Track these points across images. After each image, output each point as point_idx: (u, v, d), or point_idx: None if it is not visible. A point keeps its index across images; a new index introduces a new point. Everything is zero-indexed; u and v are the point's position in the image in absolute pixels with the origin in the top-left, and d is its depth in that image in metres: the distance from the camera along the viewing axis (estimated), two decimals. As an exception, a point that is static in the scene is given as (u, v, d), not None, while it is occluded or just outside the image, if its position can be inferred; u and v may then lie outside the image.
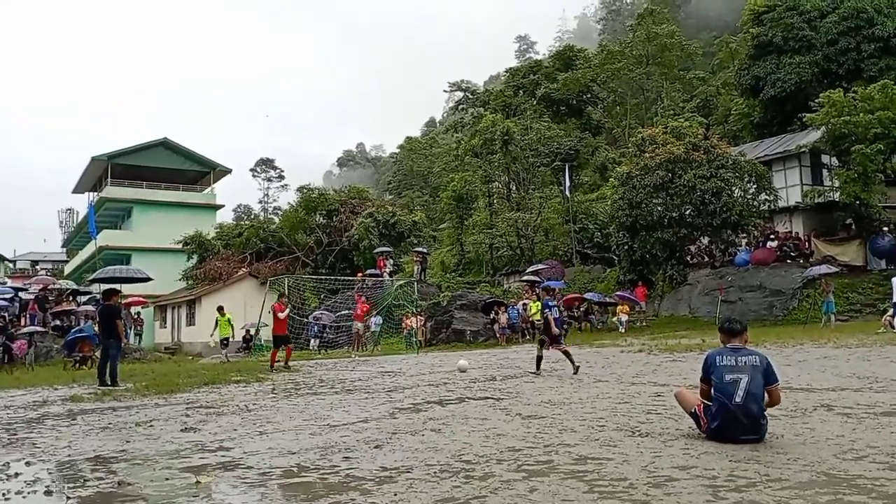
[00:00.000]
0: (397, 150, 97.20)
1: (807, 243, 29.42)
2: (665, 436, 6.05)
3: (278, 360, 17.10)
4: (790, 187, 31.09)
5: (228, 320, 24.47)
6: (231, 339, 25.76)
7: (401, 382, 12.41)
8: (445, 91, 79.78)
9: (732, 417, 5.54)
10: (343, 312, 29.75)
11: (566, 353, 13.13)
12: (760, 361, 5.71)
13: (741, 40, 46.95)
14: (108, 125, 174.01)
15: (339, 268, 41.22)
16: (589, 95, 55.69)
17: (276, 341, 17.35)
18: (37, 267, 76.07)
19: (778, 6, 37.87)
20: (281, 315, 16.81)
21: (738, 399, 5.52)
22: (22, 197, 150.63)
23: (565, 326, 23.68)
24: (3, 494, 4.67)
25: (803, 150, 30.37)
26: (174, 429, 7.48)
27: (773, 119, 38.79)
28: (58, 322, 26.78)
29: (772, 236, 29.52)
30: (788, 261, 28.09)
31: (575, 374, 12.35)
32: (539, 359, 13.34)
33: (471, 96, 67.98)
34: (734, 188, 28.13)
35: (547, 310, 13.48)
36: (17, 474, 5.33)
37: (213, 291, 41.54)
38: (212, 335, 25.41)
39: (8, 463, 5.80)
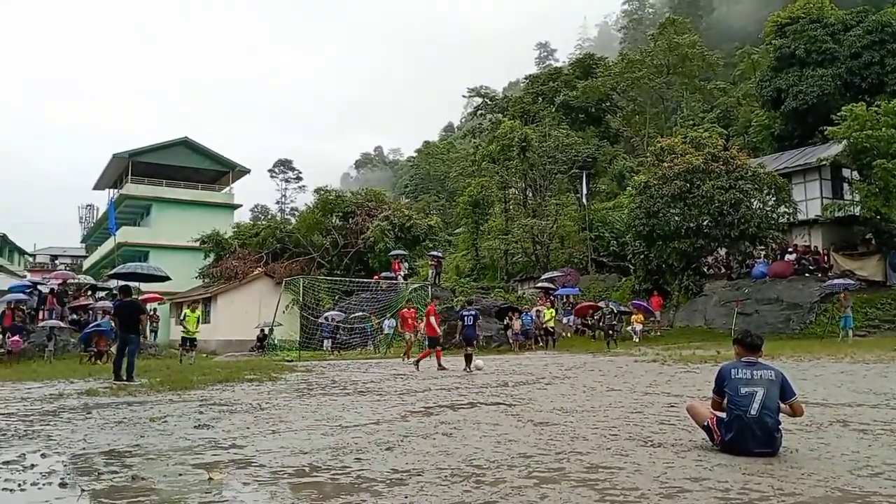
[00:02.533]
0: (415, 154, 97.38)
1: (825, 257, 29.15)
2: (678, 447, 6.02)
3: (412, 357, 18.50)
4: (810, 200, 30.84)
5: (198, 318, 23.18)
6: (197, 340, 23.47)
7: (413, 385, 12.42)
8: (464, 96, 79.76)
9: (747, 430, 5.50)
10: (357, 314, 29.82)
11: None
12: (776, 376, 5.66)
13: (763, 52, 46.71)
14: (131, 124, 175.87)
15: (354, 270, 41.31)
16: (608, 104, 55.53)
17: (431, 342, 17.72)
18: (56, 261, 76.87)
19: (801, 18, 37.64)
20: (432, 318, 17.39)
21: (753, 412, 5.47)
22: (43, 192, 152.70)
23: (611, 332, 24.02)
24: (19, 485, 4.72)
25: (824, 163, 30.13)
26: (188, 425, 7.53)
27: (793, 131, 38.52)
28: (75, 316, 27.07)
29: (790, 249, 29.28)
30: (807, 274, 27.85)
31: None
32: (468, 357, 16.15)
33: (489, 102, 68.00)
34: (753, 200, 27.97)
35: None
36: (32, 466, 5.39)
37: (229, 290, 41.79)
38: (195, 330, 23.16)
39: (24, 454, 5.86)
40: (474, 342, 16.89)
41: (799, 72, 36.95)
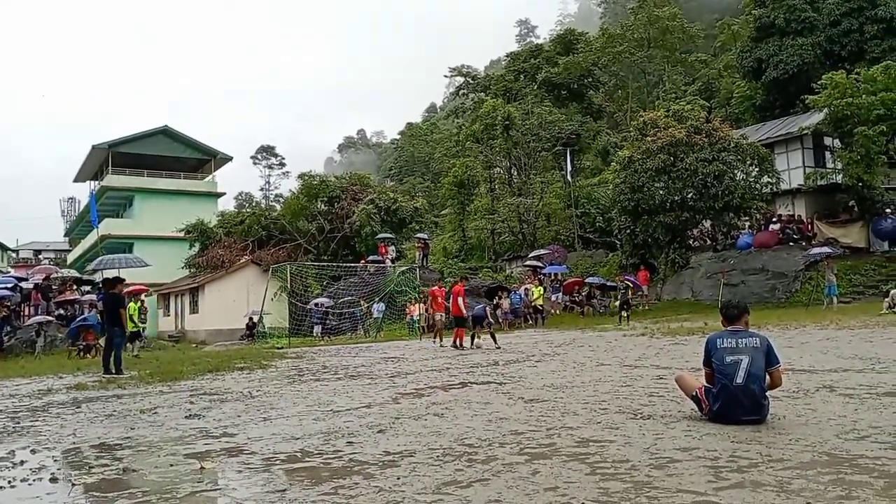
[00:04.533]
0: (398, 136, 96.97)
1: (809, 226, 29.38)
2: (667, 418, 6.07)
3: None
4: (793, 170, 31.00)
5: (139, 309, 21.62)
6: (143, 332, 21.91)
7: (403, 368, 12.45)
8: (446, 76, 79.80)
9: (734, 398, 5.54)
10: (346, 299, 29.79)
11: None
12: (761, 343, 5.70)
13: (743, 22, 46.69)
14: (112, 113, 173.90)
15: (342, 254, 41.20)
16: (590, 79, 55.42)
17: (457, 322, 18.05)
18: (40, 256, 76.13)
19: (780, -13, 37.58)
20: (459, 299, 17.70)
21: (739, 380, 5.52)
22: (24, 186, 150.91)
23: (626, 308, 23.96)
24: (9, 482, 4.69)
25: (806, 132, 30.26)
26: (178, 415, 7.51)
27: (775, 101, 38.62)
28: (61, 311, 26.82)
29: (774, 219, 29.47)
30: (791, 243, 28.07)
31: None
32: (472, 337, 17.33)
33: (471, 81, 67.57)
34: (736, 171, 28.07)
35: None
36: (22, 462, 5.36)
37: (216, 279, 41.60)
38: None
39: (13, 451, 5.82)
40: (484, 322, 18.34)
41: (779, 41, 36.98)
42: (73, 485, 4.57)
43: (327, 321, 28.54)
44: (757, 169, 28.71)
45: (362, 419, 6.76)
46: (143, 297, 36.09)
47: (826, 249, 24.83)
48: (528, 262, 33.12)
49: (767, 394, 5.70)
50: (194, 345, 34.72)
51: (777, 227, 28.96)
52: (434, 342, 18.89)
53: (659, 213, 28.47)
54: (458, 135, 55.08)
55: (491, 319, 19.70)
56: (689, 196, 28.14)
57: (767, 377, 5.71)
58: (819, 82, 28.66)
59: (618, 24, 59.72)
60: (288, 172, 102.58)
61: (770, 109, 38.79)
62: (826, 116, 28.23)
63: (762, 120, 37.88)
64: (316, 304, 28.89)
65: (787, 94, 36.80)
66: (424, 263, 34.27)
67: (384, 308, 28.30)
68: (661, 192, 28.31)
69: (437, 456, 4.93)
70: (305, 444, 5.59)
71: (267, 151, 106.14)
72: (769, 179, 28.95)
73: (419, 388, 9.31)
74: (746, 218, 29.87)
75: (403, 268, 32.06)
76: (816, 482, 3.87)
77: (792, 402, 6.61)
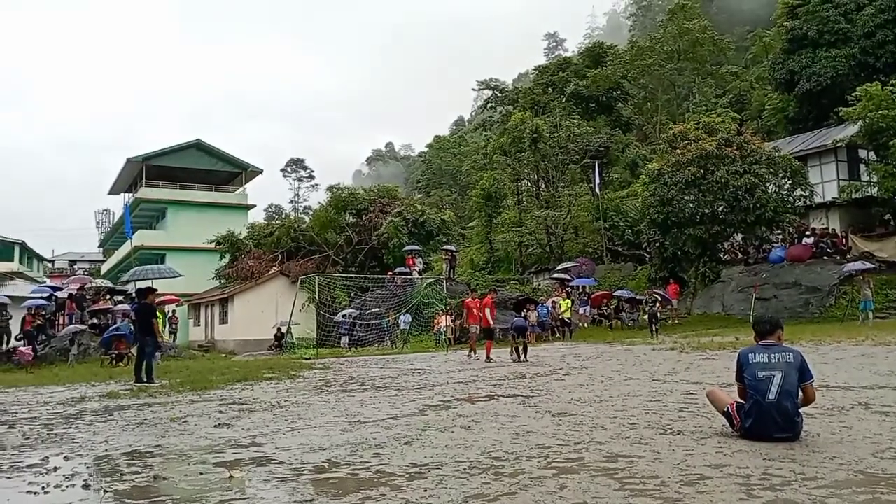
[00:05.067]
0: (426, 149, 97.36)
1: (844, 239, 28.87)
2: (698, 434, 5.99)
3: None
4: (826, 182, 30.54)
5: (167, 319, 22.22)
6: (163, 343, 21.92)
7: (430, 380, 12.44)
8: (474, 90, 79.65)
9: (766, 415, 5.45)
10: (373, 310, 29.91)
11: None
12: (794, 358, 5.59)
13: (775, 34, 46.19)
14: (145, 128, 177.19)
15: (369, 266, 41.45)
16: (619, 92, 55.17)
17: (485, 334, 18.36)
18: (74, 266, 77.67)
19: (813, -1, 37.18)
20: (487, 311, 17.98)
21: (771, 396, 5.42)
22: (61, 198, 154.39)
23: (654, 321, 23.54)
24: (43, 488, 4.77)
25: (840, 144, 29.82)
26: (208, 424, 7.59)
27: (808, 114, 38.11)
28: (95, 320, 27.28)
29: (807, 232, 29.01)
30: (825, 257, 27.58)
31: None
32: (514, 349, 16.95)
33: (499, 94, 67.72)
34: (768, 184, 27.73)
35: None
36: (55, 468, 5.45)
37: (245, 290, 42.04)
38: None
39: (47, 457, 5.93)
40: (526, 333, 18.14)
41: (812, 53, 36.53)
42: (105, 491, 4.63)
43: (354, 332, 28.67)
44: (790, 182, 28.34)
45: (389, 430, 6.77)
46: (174, 307, 36.90)
47: (859, 265, 24.37)
48: (555, 275, 32.96)
49: (801, 410, 5.59)
50: (223, 354, 35.04)
51: (811, 240, 28.49)
52: (469, 356, 18.32)
53: (689, 226, 28.20)
54: (486, 147, 55.13)
55: (532, 330, 19.83)
56: (720, 209, 27.83)
57: (801, 393, 5.59)
58: (853, 94, 28.26)
59: (647, 37, 59.44)
60: (317, 185, 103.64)
61: (803, 122, 38.28)
62: (860, 129, 27.81)
63: (794, 132, 37.40)
64: (343, 316, 29.05)
65: (821, 106, 36.30)
66: (451, 275, 34.30)
67: (410, 320, 28.35)
68: (691, 204, 28.05)
69: (464, 469, 4.91)
70: (333, 455, 5.61)
71: (296, 164, 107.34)
72: (802, 192, 28.55)
73: (446, 399, 9.30)
74: (779, 231, 29.45)
75: (430, 280, 32.11)
76: (851, 502, 3.78)
77: (826, 419, 6.48)
